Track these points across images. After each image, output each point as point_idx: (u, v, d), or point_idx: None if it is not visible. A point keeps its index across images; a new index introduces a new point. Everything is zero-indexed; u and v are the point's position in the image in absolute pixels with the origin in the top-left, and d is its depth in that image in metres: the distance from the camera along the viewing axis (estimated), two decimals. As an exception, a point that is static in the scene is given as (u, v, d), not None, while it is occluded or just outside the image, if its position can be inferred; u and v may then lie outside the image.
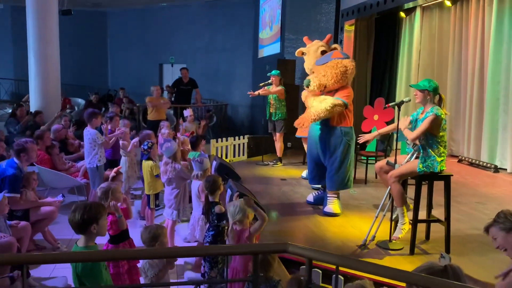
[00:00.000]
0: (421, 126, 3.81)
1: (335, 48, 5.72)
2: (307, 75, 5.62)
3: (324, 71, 4.85)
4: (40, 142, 6.41)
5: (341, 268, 3.24)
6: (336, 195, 5.07)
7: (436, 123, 3.78)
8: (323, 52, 5.75)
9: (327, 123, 4.94)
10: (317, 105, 4.80)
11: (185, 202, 4.60)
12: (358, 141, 4.64)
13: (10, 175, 4.45)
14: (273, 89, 7.31)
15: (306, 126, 5.09)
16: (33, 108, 9.54)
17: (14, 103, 12.53)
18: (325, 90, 4.87)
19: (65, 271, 3.99)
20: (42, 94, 9.51)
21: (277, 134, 7.47)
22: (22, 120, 8.99)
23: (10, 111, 11.84)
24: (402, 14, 8.58)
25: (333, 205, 5.01)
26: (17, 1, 13.08)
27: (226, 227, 3.69)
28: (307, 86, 4.94)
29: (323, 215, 4.98)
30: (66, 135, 7.52)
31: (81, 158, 7.15)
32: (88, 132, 5.58)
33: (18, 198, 4.47)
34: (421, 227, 4.16)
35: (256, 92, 7.36)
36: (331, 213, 4.97)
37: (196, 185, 4.25)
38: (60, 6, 10.39)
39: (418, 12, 8.66)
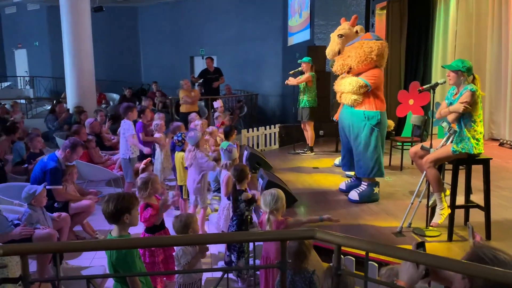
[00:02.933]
0: (462, 103, 3.62)
1: (357, 31, 5.55)
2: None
3: (349, 52, 4.75)
4: (77, 137, 6.60)
5: (374, 255, 3.20)
6: (366, 183, 4.95)
7: (473, 100, 3.62)
8: (340, 36, 5.56)
9: (350, 106, 4.85)
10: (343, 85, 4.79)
11: (204, 189, 4.65)
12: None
13: (52, 168, 4.62)
14: (303, 77, 7.21)
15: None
16: (70, 104, 9.84)
17: (53, 100, 13.00)
18: (351, 72, 4.77)
19: (103, 261, 4.12)
20: (78, 91, 9.80)
21: (305, 122, 7.38)
22: (61, 117, 9.28)
23: (49, 107, 12.29)
24: (437, -7, 8.24)
25: (357, 192, 4.94)
26: (52, 1, 13.48)
27: (250, 216, 3.70)
28: (332, 66, 4.89)
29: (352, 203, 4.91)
30: (100, 129, 7.71)
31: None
32: (124, 123, 5.71)
33: (61, 189, 4.64)
34: (460, 213, 4.02)
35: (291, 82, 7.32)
36: (352, 199, 4.91)
37: (222, 175, 4.27)
38: (92, 3, 10.62)
39: (453, -10, 8.31)
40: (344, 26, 5.66)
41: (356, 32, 5.59)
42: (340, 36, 5.47)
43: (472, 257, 1.50)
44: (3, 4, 18.20)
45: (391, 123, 5.55)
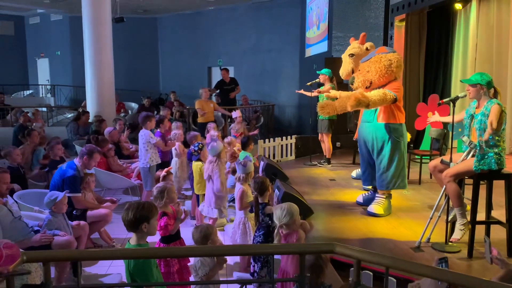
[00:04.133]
0: (493, 121, 3.50)
1: (367, 48, 5.61)
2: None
3: (368, 67, 4.74)
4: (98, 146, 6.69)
5: (393, 271, 3.15)
6: (384, 196, 4.91)
7: (501, 115, 3.57)
8: (351, 56, 5.63)
9: (373, 120, 4.82)
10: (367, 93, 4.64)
11: (224, 202, 4.64)
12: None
13: (70, 176, 4.68)
14: (324, 88, 7.24)
15: (338, 111, 4.95)
16: (90, 113, 9.98)
17: (74, 108, 13.25)
18: (371, 87, 4.76)
19: (120, 269, 4.15)
20: (98, 99, 9.96)
21: (323, 134, 7.37)
22: (83, 126, 9.38)
23: (69, 116, 12.51)
24: (457, 6, 8.17)
25: (377, 205, 4.88)
26: (74, 11, 13.81)
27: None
28: (352, 84, 4.87)
29: (370, 216, 4.86)
30: (119, 138, 7.80)
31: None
32: (143, 133, 5.78)
33: (80, 197, 4.70)
34: (480, 229, 3.94)
35: (308, 93, 7.32)
36: (373, 213, 4.85)
37: (236, 188, 4.24)
38: (113, 14, 10.82)
39: (474, 3, 8.22)
40: (354, 45, 5.75)
41: (367, 49, 5.65)
42: (351, 55, 5.56)
43: (508, 276, 1.47)
44: (28, 14, 18.70)
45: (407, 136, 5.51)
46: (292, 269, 3.09)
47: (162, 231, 3.59)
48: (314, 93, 7.25)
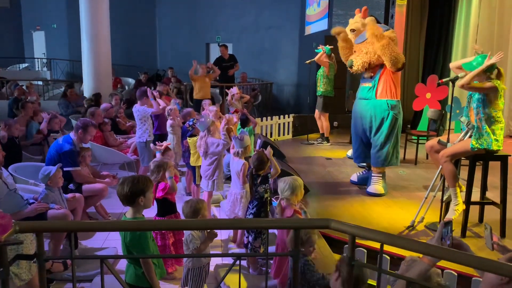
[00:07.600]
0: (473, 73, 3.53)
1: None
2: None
3: (366, 48, 4.67)
4: (92, 119, 6.63)
5: (386, 248, 3.18)
6: (381, 175, 4.93)
7: (493, 90, 3.52)
8: (352, 31, 5.42)
9: (372, 97, 4.79)
10: None
11: (219, 174, 4.63)
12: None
13: (67, 151, 4.62)
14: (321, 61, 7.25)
15: None
16: (86, 87, 9.89)
17: (70, 82, 13.06)
18: (370, 66, 4.71)
19: (115, 243, 4.17)
20: (94, 74, 9.84)
21: (318, 112, 7.35)
22: (73, 100, 9.30)
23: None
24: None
25: (377, 185, 4.89)
26: (71, -16, 13.50)
27: (269, 198, 3.70)
28: (351, 67, 4.80)
29: (367, 195, 4.88)
30: (116, 114, 7.74)
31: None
32: (137, 109, 5.71)
33: (80, 171, 4.67)
34: (474, 210, 3.97)
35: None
36: (375, 193, 4.86)
37: (237, 163, 4.21)
38: (111, -13, 10.58)
39: (477, -17, 8.11)
40: (356, 19, 5.52)
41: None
42: (352, 30, 5.32)
43: None
44: (23, -15, 18.33)
45: None
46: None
47: (164, 191, 3.62)
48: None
